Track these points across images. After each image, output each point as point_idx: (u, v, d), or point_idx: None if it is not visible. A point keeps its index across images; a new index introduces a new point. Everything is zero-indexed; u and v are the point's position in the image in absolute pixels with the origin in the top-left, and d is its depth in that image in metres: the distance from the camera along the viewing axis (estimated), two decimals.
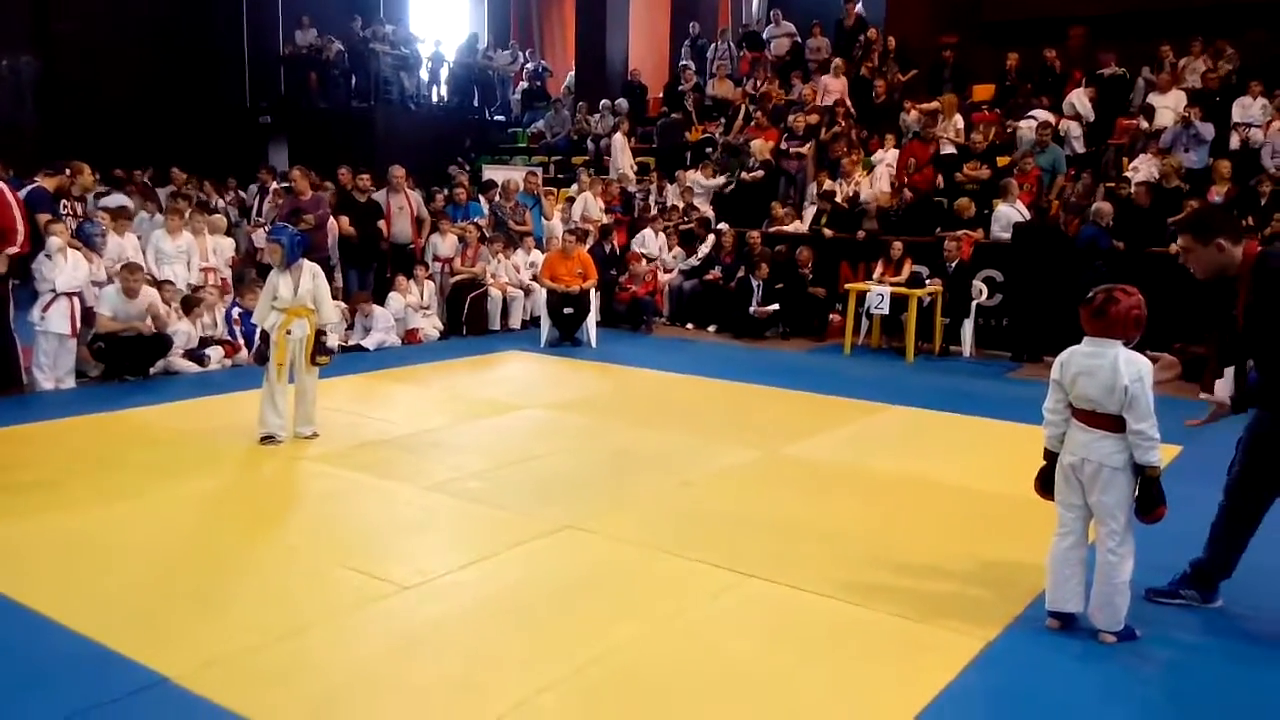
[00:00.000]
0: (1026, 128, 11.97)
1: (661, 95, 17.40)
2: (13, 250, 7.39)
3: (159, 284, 8.71)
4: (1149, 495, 3.69)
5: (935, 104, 12.83)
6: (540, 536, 4.79)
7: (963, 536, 4.95)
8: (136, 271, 8.14)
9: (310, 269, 6.40)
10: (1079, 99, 12.09)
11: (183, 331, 8.68)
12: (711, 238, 12.33)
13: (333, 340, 8.51)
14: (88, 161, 11.03)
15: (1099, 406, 3.67)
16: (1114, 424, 3.66)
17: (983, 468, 6.16)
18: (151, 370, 8.37)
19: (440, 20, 22.14)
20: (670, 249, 12.71)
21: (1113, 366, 3.62)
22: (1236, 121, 11.07)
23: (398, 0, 20.66)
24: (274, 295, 6.27)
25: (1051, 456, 3.89)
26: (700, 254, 12.30)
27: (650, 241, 12.65)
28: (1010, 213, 10.71)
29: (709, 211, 13.16)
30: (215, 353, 8.78)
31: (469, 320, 11.01)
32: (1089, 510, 3.80)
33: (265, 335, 6.29)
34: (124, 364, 8.08)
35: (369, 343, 9.90)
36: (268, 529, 5.01)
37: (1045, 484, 3.93)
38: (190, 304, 8.82)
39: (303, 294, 6.27)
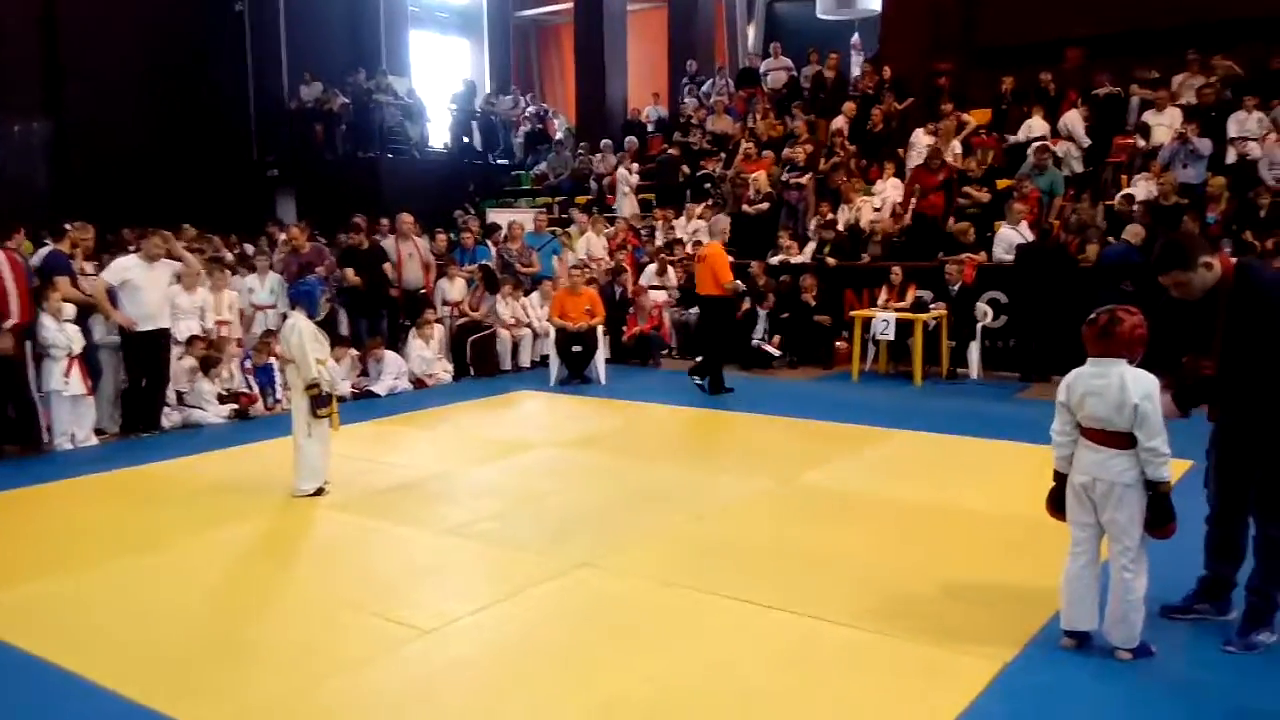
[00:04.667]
0: (1024, 139, 12.14)
1: (661, 133, 17.63)
2: (11, 323, 7.45)
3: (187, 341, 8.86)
4: (1160, 511, 3.73)
5: (947, 123, 12.89)
6: (557, 576, 4.84)
7: (976, 560, 4.97)
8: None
9: (288, 322, 6.49)
10: (1073, 122, 12.22)
11: (207, 390, 8.82)
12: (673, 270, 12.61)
13: (341, 388, 8.61)
14: (100, 220, 11.26)
15: (1108, 425, 3.72)
16: (1124, 441, 3.71)
17: (994, 490, 6.19)
18: (167, 425, 8.48)
19: (441, 69, 22.52)
20: (678, 282, 12.80)
21: (1120, 385, 3.68)
22: (1233, 136, 11.15)
23: (399, 51, 21.01)
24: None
25: (1061, 478, 3.94)
26: (670, 283, 12.54)
27: (650, 276, 12.82)
28: (1012, 235, 10.79)
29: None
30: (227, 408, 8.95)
31: (475, 361, 11.11)
32: (1101, 529, 3.84)
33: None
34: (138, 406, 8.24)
35: (380, 388, 9.99)
36: (289, 578, 5.08)
37: (1057, 504, 3.98)
38: (209, 363, 8.96)
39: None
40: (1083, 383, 3.80)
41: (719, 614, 4.34)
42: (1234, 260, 3.98)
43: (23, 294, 7.56)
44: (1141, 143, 11.70)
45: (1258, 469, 3.87)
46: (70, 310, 7.98)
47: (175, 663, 3.99)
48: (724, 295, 9.84)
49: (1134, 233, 9.69)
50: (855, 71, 16.76)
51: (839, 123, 14.13)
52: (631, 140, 16.93)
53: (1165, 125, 11.52)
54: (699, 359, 9.96)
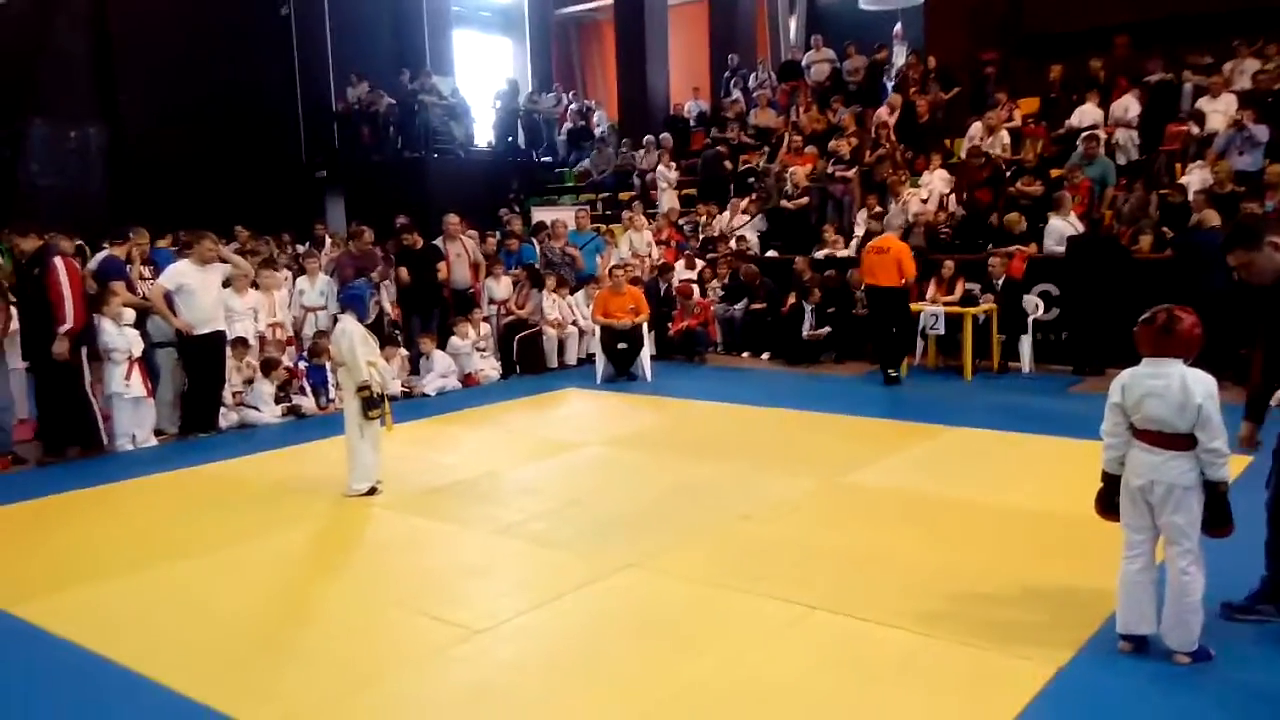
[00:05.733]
0: (1077, 125, 11.99)
1: (703, 128, 17.58)
2: (66, 328, 7.59)
3: (232, 342, 9.03)
4: (1219, 511, 3.67)
5: (999, 113, 12.72)
6: (605, 576, 4.87)
7: (1029, 560, 4.91)
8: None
9: (338, 327, 6.60)
10: (1127, 107, 11.97)
11: (265, 392, 9.02)
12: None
13: (392, 388, 8.74)
14: (155, 224, 11.51)
15: (1167, 427, 3.66)
16: (1184, 443, 3.65)
17: (1046, 488, 6.10)
18: (224, 425, 8.67)
19: (484, 68, 22.66)
20: (721, 279, 12.77)
21: (1182, 386, 3.62)
22: None
23: (443, 51, 21.18)
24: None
25: (1110, 478, 3.88)
26: (716, 287, 12.52)
27: (680, 270, 12.86)
28: (1063, 226, 10.61)
29: (754, 240, 13.30)
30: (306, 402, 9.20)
31: (522, 360, 11.19)
32: (1157, 531, 3.77)
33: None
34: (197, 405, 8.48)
35: (429, 388, 10.11)
36: (343, 578, 5.17)
37: (1107, 506, 3.92)
38: (270, 365, 9.15)
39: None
40: (1140, 384, 3.73)
41: (766, 616, 4.33)
42: None
43: (78, 300, 7.74)
44: (1196, 130, 11.42)
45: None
46: (130, 314, 8.19)
47: (231, 662, 4.09)
48: (900, 287, 9.91)
49: (1211, 217, 9.43)
50: (899, 62, 16.56)
51: (884, 114, 13.98)
52: (667, 137, 16.89)
53: (1220, 112, 11.23)
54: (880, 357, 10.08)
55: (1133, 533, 3.83)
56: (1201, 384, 3.61)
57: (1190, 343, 3.68)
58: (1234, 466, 5.58)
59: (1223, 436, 3.60)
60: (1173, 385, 3.63)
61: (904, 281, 9.91)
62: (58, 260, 7.77)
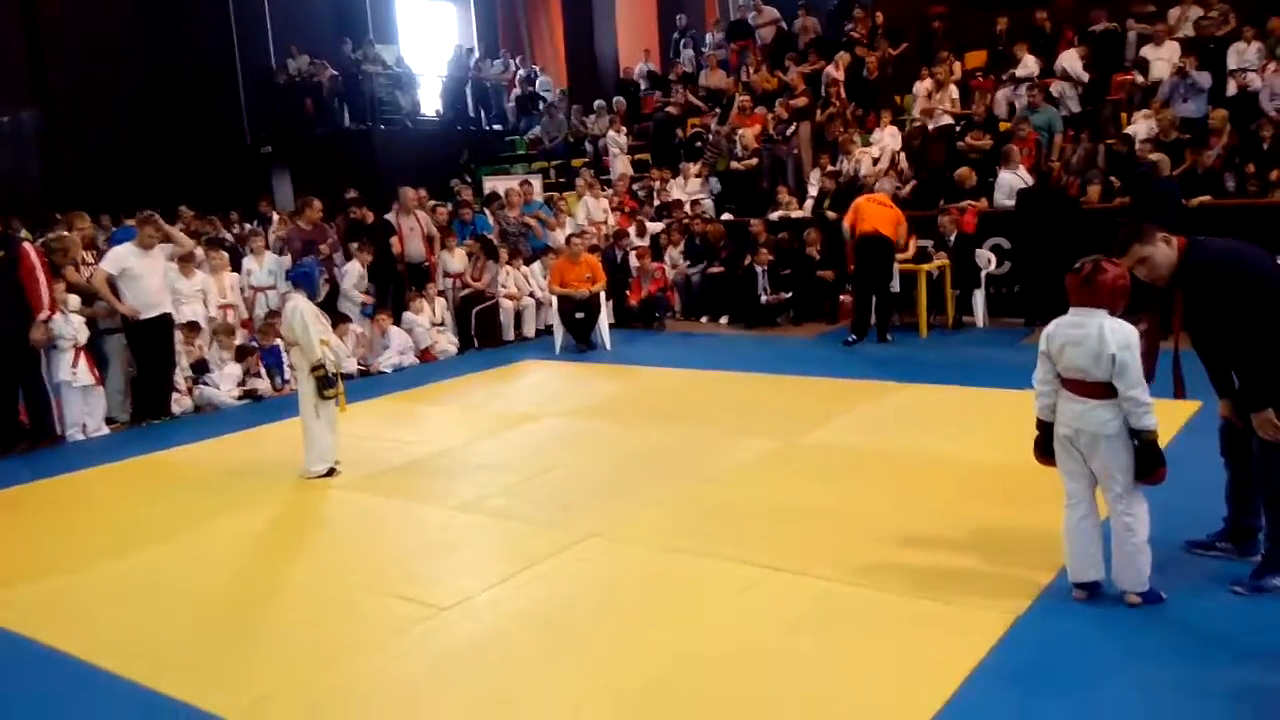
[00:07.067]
0: (1021, 77, 12.10)
1: (654, 91, 17.44)
2: (44, 316, 7.55)
3: (183, 326, 8.86)
4: (1149, 459, 3.73)
5: (943, 69, 12.74)
6: (569, 547, 4.88)
7: (987, 512, 5.00)
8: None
9: (289, 305, 6.50)
10: (1069, 60, 12.06)
11: (230, 375, 8.91)
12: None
13: (347, 366, 8.65)
14: (95, 208, 11.22)
15: (1088, 375, 3.73)
16: (1104, 391, 3.71)
17: (1001, 440, 6.16)
18: (178, 410, 8.53)
19: (429, 34, 22.23)
20: (677, 245, 12.73)
21: (1099, 335, 3.68)
22: (1233, 68, 11.00)
23: (386, 19, 20.73)
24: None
25: (1044, 425, 3.96)
26: (676, 252, 12.52)
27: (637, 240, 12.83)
28: (1013, 179, 10.71)
29: (709, 205, 13.28)
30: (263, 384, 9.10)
31: (480, 333, 11.11)
32: (1094, 477, 3.85)
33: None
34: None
35: (385, 365, 10.01)
36: (304, 561, 5.13)
37: (1044, 451, 4.01)
38: (245, 352, 9.09)
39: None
40: (1062, 332, 3.81)
41: (731, 578, 4.37)
42: (1185, 239, 3.91)
43: (50, 287, 7.63)
44: (1140, 79, 11.56)
45: (1253, 438, 3.84)
46: (75, 301, 8.01)
47: (193, 650, 4.05)
48: (894, 243, 9.76)
49: (1164, 164, 9.54)
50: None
51: (833, 72, 13.95)
52: (619, 101, 16.74)
53: (1164, 60, 11.37)
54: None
55: (1070, 480, 3.91)
56: (1118, 334, 3.67)
57: (1114, 293, 3.72)
58: (1184, 411, 5.74)
59: (1141, 385, 3.66)
60: (1091, 334, 3.70)
61: (897, 241, 9.85)
62: (28, 246, 7.61)
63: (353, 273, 10.51)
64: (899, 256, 10.53)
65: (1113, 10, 12.46)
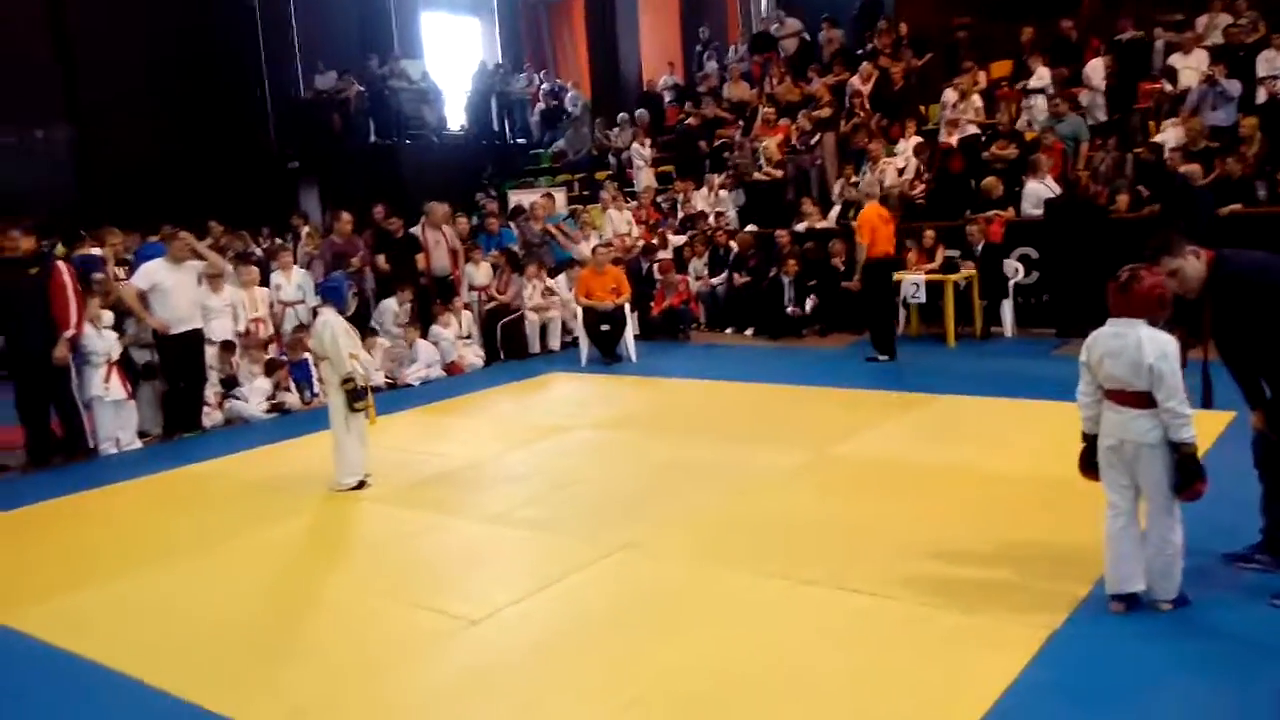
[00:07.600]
0: (1034, 105, 12.02)
1: (678, 103, 17.48)
2: (70, 334, 7.64)
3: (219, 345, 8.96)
4: (1187, 473, 3.70)
5: (967, 79, 12.69)
6: (599, 560, 4.87)
7: (1021, 524, 4.95)
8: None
9: (319, 320, 6.54)
10: (1092, 70, 11.99)
11: (259, 389, 8.99)
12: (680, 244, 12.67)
13: (374, 379, 8.70)
14: (125, 223, 11.35)
15: (1129, 385, 3.72)
16: (1146, 400, 3.69)
17: (1034, 451, 6.13)
18: (209, 424, 8.61)
19: (454, 50, 22.43)
20: (700, 257, 12.73)
21: (1136, 345, 3.66)
22: (1263, 76, 10.90)
23: (411, 35, 20.93)
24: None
25: (1089, 439, 3.94)
26: (700, 264, 12.52)
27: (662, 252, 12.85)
28: (1040, 189, 10.65)
29: (733, 216, 13.29)
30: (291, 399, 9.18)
31: (505, 346, 11.15)
32: (1137, 488, 3.82)
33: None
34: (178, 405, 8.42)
35: (413, 377, 10.06)
36: (337, 573, 5.16)
37: (1088, 465, 3.98)
38: (274, 366, 9.16)
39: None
40: (1101, 343, 3.80)
41: (764, 592, 4.36)
42: (1212, 252, 3.89)
43: (80, 305, 7.74)
44: (1168, 87, 11.46)
45: None
46: (108, 317, 8.11)
47: (228, 662, 4.08)
48: (895, 258, 9.77)
49: (1196, 173, 9.46)
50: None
51: (857, 83, 13.94)
52: (642, 114, 16.78)
53: (1192, 68, 11.28)
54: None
55: (1112, 492, 3.88)
56: (1155, 344, 3.64)
57: (1149, 303, 3.69)
58: (1220, 421, 5.67)
59: (1179, 396, 3.63)
60: (1129, 345, 3.67)
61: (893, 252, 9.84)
62: (60, 264, 7.72)
63: (388, 310, 10.61)
64: (926, 267, 10.50)
65: (1139, 19, 12.39)
